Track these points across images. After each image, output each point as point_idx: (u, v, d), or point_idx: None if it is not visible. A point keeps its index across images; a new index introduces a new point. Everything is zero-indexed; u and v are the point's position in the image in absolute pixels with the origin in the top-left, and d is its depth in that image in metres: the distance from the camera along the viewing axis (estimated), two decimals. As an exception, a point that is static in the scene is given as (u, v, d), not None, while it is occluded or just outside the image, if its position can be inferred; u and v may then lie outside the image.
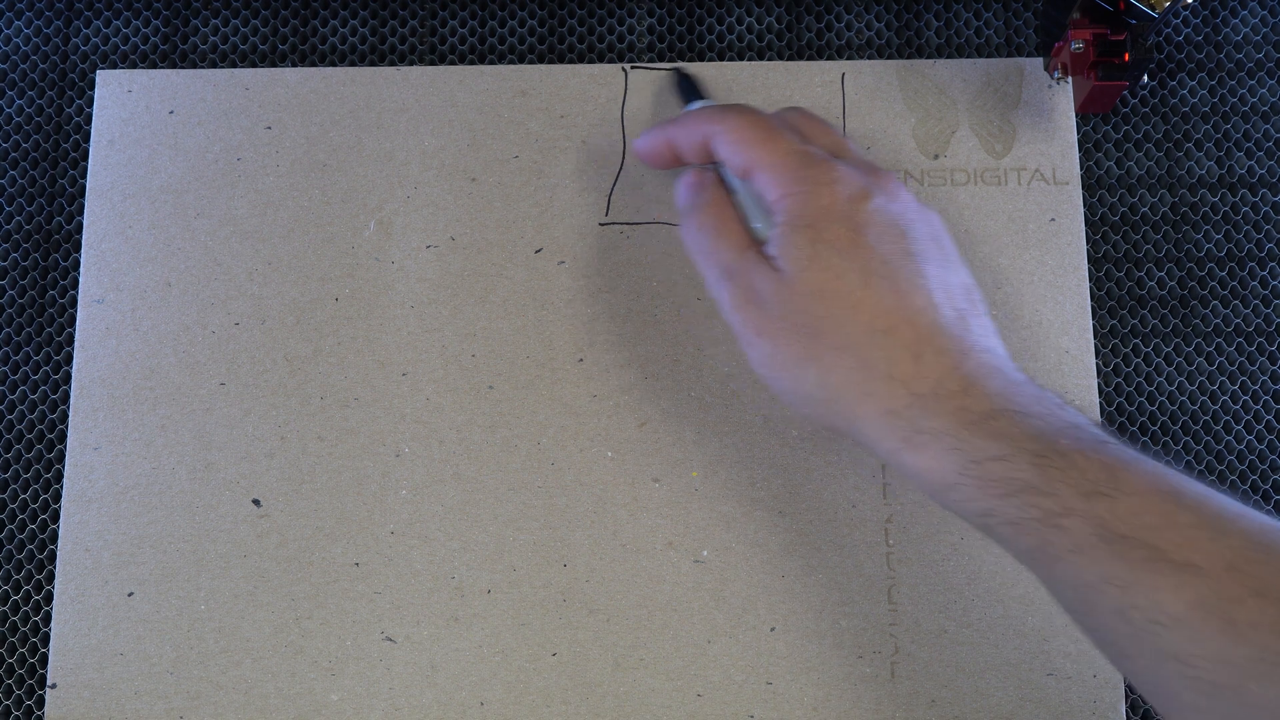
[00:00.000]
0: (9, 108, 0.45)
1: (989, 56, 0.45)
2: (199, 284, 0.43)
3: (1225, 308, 0.43)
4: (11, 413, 0.42)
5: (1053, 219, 0.43)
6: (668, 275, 0.43)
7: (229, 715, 0.40)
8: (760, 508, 0.41)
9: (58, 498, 0.42)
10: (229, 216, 0.43)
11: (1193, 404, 0.42)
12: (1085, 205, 0.44)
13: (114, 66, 0.45)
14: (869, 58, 0.45)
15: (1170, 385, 0.43)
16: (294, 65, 0.45)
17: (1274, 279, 0.43)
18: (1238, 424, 0.42)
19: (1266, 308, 0.43)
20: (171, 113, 0.44)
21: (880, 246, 0.33)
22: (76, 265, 0.43)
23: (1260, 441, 0.42)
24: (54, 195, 0.44)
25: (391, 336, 0.42)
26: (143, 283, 0.43)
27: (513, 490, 0.41)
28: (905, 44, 0.45)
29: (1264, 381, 0.43)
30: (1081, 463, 0.30)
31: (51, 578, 0.41)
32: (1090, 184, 0.44)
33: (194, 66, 0.45)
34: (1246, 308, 0.43)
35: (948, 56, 0.45)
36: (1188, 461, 0.42)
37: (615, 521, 0.41)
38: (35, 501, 0.42)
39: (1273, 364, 0.43)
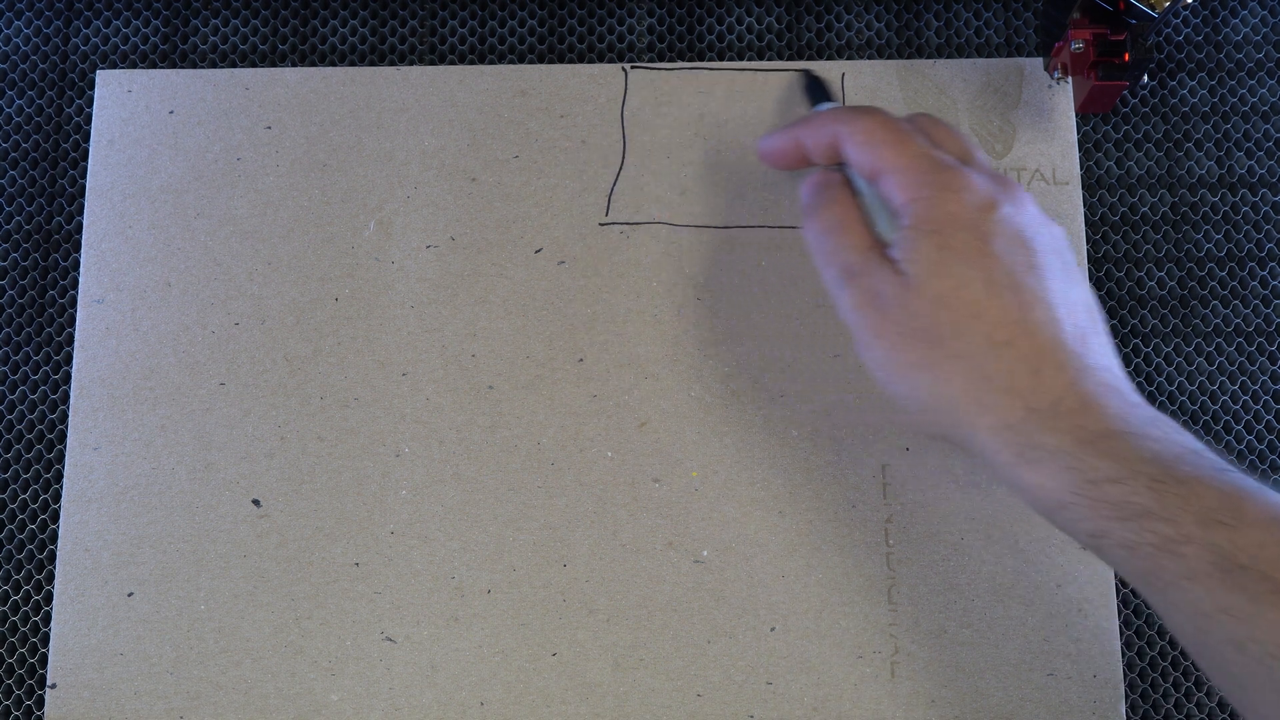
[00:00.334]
0: (9, 108, 0.45)
1: (989, 56, 0.45)
2: (199, 284, 0.43)
3: (1225, 308, 0.43)
4: (11, 413, 0.42)
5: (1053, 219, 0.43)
6: (668, 275, 0.43)
7: (229, 715, 0.40)
8: (760, 508, 0.41)
9: (58, 498, 0.42)
10: (229, 216, 0.43)
11: (1193, 404, 0.42)
12: (1085, 205, 0.44)
13: (114, 66, 0.45)
14: (869, 58, 0.45)
15: (1170, 385, 0.43)
16: (294, 65, 0.45)
17: (1274, 279, 0.43)
18: (1238, 424, 0.42)
19: (1266, 308, 0.43)
20: (171, 113, 0.44)
21: (1005, 257, 0.33)
22: (76, 265, 0.43)
23: (1260, 441, 0.42)
24: (54, 195, 0.44)
25: (391, 336, 0.42)
26: (143, 283, 0.43)
27: (513, 490, 0.41)
28: (905, 44, 0.45)
29: (1264, 381, 0.43)
30: (1200, 490, 0.29)
31: (51, 578, 0.41)
32: (1090, 184, 0.44)
33: (194, 66, 0.45)
34: (1246, 308, 0.43)
35: (948, 56, 0.45)
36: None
37: (615, 521, 0.41)
38: (35, 501, 0.42)
39: (1273, 364, 0.43)
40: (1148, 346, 0.43)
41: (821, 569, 0.40)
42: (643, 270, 0.43)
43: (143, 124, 0.44)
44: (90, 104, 0.45)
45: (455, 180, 0.43)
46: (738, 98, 0.44)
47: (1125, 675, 0.40)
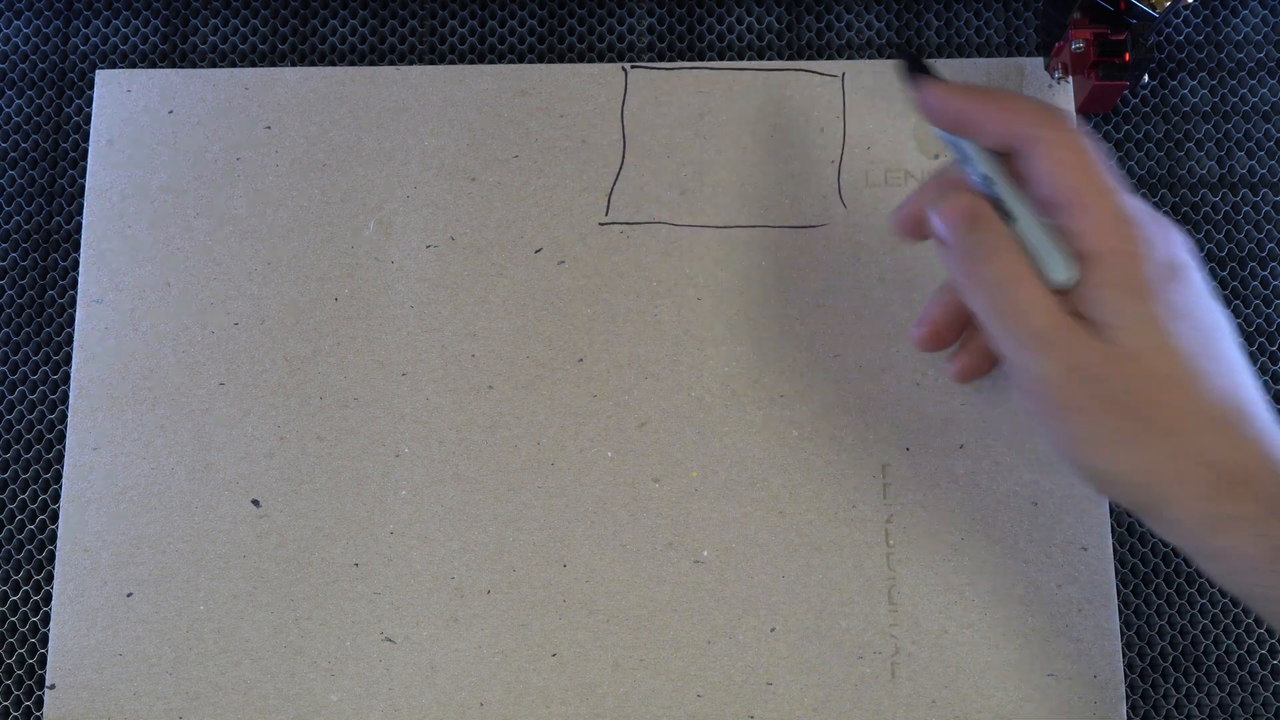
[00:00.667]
0: (9, 108, 0.45)
1: (989, 56, 0.45)
2: (198, 284, 0.43)
3: (1225, 307, 0.43)
4: (11, 413, 0.42)
5: None
6: (668, 275, 0.43)
7: (229, 715, 0.40)
8: (760, 508, 0.41)
9: (57, 498, 0.41)
10: (229, 216, 0.43)
11: (1193, 404, 0.42)
12: (1085, 205, 0.44)
13: (114, 66, 0.45)
14: (869, 58, 0.45)
15: (1171, 385, 0.43)
16: (294, 65, 0.45)
17: (1274, 279, 0.43)
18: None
19: (1267, 308, 0.43)
20: (171, 112, 0.44)
21: (1203, 324, 0.31)
22: (76, 265, 0.43)
23: (1261, 441, 0.42)
24: (54, 195, 0.44)
25: (391, 336, 0.42)
26: (142, 283, 0.43)
27: (513, 490, 0.41)
28: (905, 44, 0.45)
29: (1264, 381, 0.43)
30: None
31: (51, 578, 0.41)
32: (1090, 184, 0.44)
33: (194, 66, 0.45)
34: (1247, 308, 0.43)
35: (948, 56, 0.45)
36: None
37: (615, 521, 0.41)
38: (35, 501, 0.42)
39: (1273, 364, 0.43)
40: (1148, 346, 0.43)
41: (821, 569, 0.40)
42: (643, 270, 0.43)
43: (142, 124, 0.44)
44: (90, 104, 0.45)
45: (455, 180, 0.43)
46: (738, 98, 0.44)
47: (1125, 675, 0.40)
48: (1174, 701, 0.40)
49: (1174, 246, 0.32)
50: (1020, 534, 0.40)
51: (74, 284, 0.43)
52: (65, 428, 0.42)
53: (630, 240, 0.43)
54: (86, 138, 0.44)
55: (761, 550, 0.40)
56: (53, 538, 0.41)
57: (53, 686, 0.40)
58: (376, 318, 0.42)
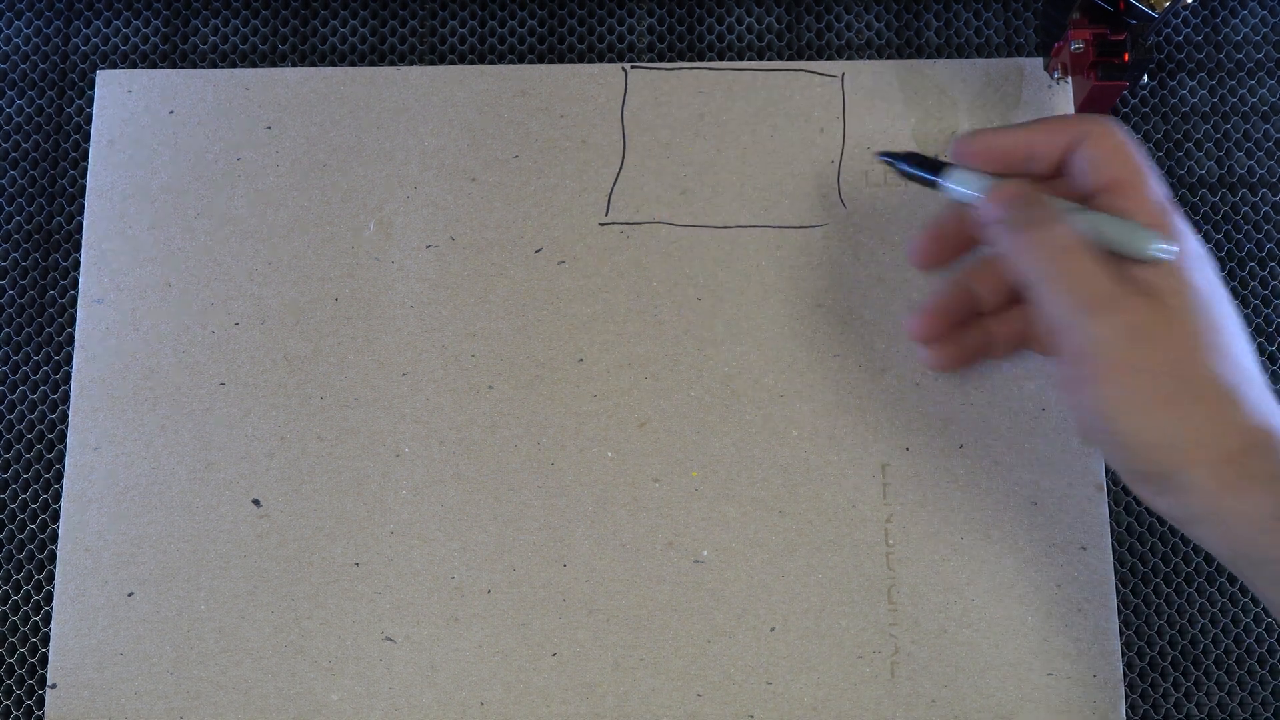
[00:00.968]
0: (9, 108, 0.45)
1: (989, 56, 0.45)
2: (199, 284, 0.43)
3: (1225, 308, 0.43)
4: (11, 413, 0.42)
5: None
6: (668, 275, 0.43)
7: (229, 715, 0.40)
8: (760, 508, 0.41)
9: (58, 498, 0.42)
10: (229, 216, 0.43)
11: (1193, 404, 0.42)
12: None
13: (114, 66, 0.45)
14: (869, 58, 0.45)
15: (1170, 385, 0.43)
16: (294, 65, 0.45)
17: (1274, 279, 0.43)
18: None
19: (1266, 308, 0.43)
20: (171, 113, 0.44)
21: (1225, 305, 0.34)
22: (76, 265, 0.43)
23: (1260, 441, 0.42)
24: (54, 195, 0.44)
25: (391, 336, 0.42)
26: (143, 283, 0.43)
27: (513, 490, 0.41)
28: (905, 44, 0.45)
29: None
30: None
31: (51, 578, 0.41)
32: (1090, 184, 0.44)
33: (194, 66, 0.45)
34: (1246, 308, 0.43)
35: (948, 56, 0.45)
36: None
37: (615, 521, 0.41)
38: (35, 501, 0.42)
39: (1273, 364, 0.43)
40: (1148, 346, 0.43)
41: (821, 569, 0.40)
42: (643, 270, 0.43)
43: (143, 124, 0.44)
44: (90, 104, 0.45)
45: (455, 180, 0.43)
46: (738, 98, 0.44)
47: (1125, 675, 0.40)
48: (1173, 701, 0.40)
49: (1193, 236, 0.34)
50: (1020, 534, 0.40)
51: (75, 284, 0.43)
52: (66, 427, 0.42)
53: (630, 240, 0.43)
54: (87, 138, 0.44)
55: (761, 550, 0.41)
56: (54, 537, 0.41)
57: (54, 686, 0.40)
58: (377, 318, 0.42)
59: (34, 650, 0.41)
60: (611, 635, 0.40)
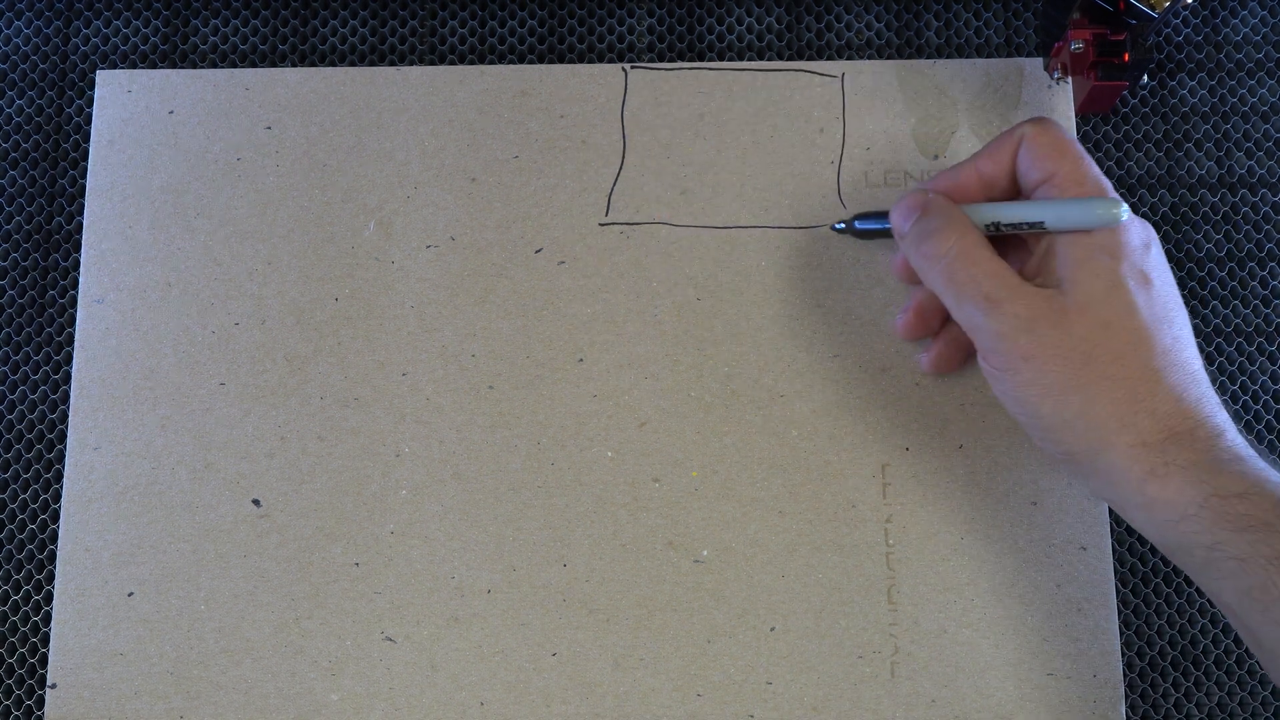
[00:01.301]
0: (9, 108, 0.45)
1: (989, 56, 0.45)
2: (199, 284, 0.43)
3: (1225, 308, 0.43)
4: (11, 413, 0.42)
5: None
6: (668, 275, 0.43)
7: (229, 715, 0.40)
8: (760, 508, 0.41)
9: (58, 498, 0.42)
10: (229, 216, 0.43)
11: (1192, 404, 0.42)
12: (1085, 205, 0.44)
13: (114, 66, 0.45)
14: (869, 58, 0.45)
15: (1170, 385, 0.43)
16: (294, 65, 0.45)
17: (1274, 279, 0.43)
18: (1237, 424, 0.42)
19: (1266, 308, 0.43)
20: (171, 113, 0.44)
21: (1161, 291, 0.34)
22: (76, 265, 0.43)
23: (1260, 441, 0.42)
24: (54, 195, 0.44)
25: (391, 336, 0.42)
26: (143, 283, 0.43)
27: (513, 490, 0.41)
28: (905, 44, 0.45)
29: (1264, 381, 0.43)
30: None
31: (51, 578, 0.41)
32: (1090, 184, 0.44)
33: (194, 66, 0.45)
34: (1246, 308, 0.43)
35: (948, 56, 0.45)
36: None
37: (615, 521, 0.41)
38: (35, 501, 0.42)
39: (1273, 364, 0.43)
40: (1147, 346, 0.43)
41: (821, 569, 0.40)
42: (643, 270, 0.43)
43: (142, 124, 0.44)
44: (90, 104, 0.45)
45: (455, 180, 0.43)
46: (738, 98, 0.44)
47: (1125, 675, 0.40)
48: (1173, 701, 0.40)
49: (1137, 223, 0.35)
50: (1020, 534, 0.40)
51: (75, 284, 0.43)
52: (66, 427, 0.42)
53: (630, 240, 0.43)
54: (87, 138, 0.44)
55: (761, 550, 0.41)
56: (54, 537, 0.41)
57: (54, 686, 0.40)
58: (377, 318, 0.42)
59: (34, 650, 0.41)
60: (611, 635, 0.40)
